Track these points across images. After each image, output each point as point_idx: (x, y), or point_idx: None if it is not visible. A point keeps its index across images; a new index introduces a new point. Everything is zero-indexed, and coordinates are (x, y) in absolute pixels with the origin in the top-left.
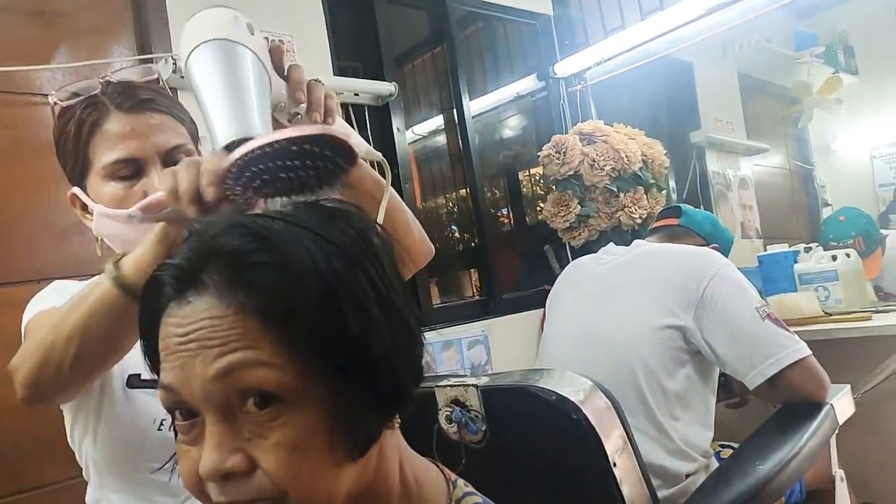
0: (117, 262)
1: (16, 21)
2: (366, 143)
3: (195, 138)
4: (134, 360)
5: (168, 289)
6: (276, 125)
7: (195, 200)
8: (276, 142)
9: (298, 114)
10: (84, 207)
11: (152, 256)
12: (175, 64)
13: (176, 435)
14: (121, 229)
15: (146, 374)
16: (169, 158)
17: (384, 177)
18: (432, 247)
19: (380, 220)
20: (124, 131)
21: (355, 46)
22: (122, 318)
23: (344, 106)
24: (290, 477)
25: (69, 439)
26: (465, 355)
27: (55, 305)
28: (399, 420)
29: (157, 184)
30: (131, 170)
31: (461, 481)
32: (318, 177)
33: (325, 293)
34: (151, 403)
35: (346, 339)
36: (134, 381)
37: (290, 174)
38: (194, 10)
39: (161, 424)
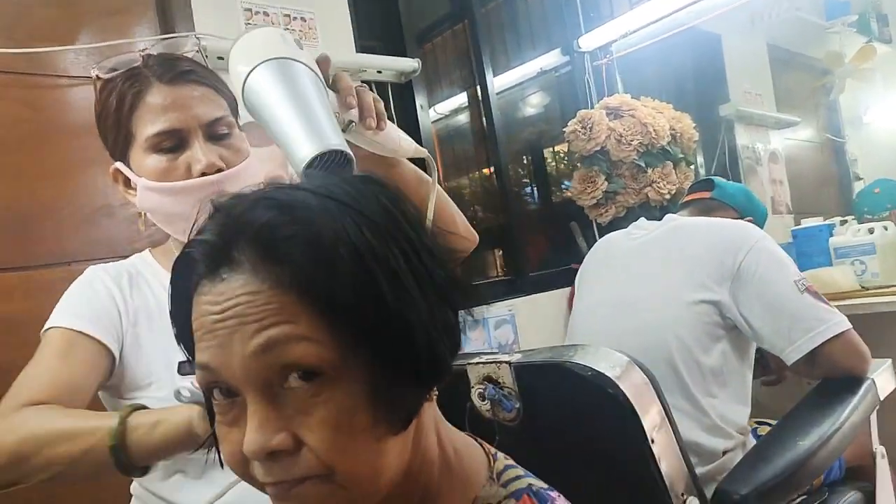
0: (125, 419)
1: (37, 2)
2: (412, 140)
3: (234, 111)
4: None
5: (200, 266)
6: None
7: None
8: None
9: (352, 121)
10: (126, 183)
11: (163, 445)
12: (199, 42)
13: (212, 416)
14: (164, 203)
15: None
16: (210, 130)
17: (429, 174)
18: (476, 235)
19: (429, 216)
20: (166, 103)
21: (377, 24)
22: (103, 472)
23: (366, 84)
24: (336, 454)
25: None
26: (492, 335)
27: (73, 327)
28: (436, 392)
29: (200, 156)
30: (174, 142)
31: (501, 454)
32: None
33: (359, 267)
34: None
35: (382, 313)
36: (185, 369)
37: None
38: None
39: None
